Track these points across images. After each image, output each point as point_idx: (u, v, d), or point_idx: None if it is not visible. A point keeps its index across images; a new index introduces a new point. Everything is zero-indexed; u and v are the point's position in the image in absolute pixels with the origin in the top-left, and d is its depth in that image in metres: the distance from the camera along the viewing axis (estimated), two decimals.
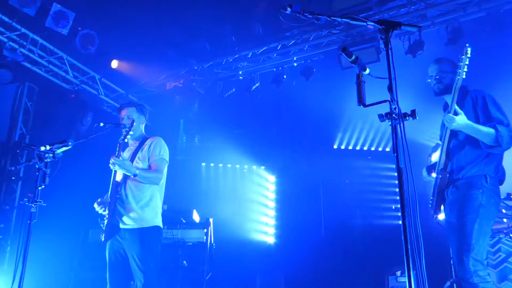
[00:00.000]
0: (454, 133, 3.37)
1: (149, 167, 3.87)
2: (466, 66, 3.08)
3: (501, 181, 3.34)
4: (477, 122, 3.26)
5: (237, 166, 9.75)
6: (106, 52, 7.02)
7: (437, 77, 3.44)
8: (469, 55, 3.06)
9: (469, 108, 3.35)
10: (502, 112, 3.25)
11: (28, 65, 6.55)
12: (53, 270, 6.14)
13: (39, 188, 3.26)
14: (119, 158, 3.64)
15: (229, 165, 9.71)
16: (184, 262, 5.86)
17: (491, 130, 3.12)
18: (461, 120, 3.11)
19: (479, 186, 3.19)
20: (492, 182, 3.23)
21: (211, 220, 5.80)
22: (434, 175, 3.57)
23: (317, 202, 8.83)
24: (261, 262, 8.39)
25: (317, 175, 8.98)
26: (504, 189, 4.22)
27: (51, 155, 3.32)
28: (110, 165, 3.67)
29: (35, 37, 6.27)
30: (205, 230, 5.63)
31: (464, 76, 3.11)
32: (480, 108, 3.30)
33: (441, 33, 5.95)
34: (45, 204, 3.29)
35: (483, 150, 3.22)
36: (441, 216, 3.42)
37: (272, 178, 9.78)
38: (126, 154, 4.00)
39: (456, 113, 3.12)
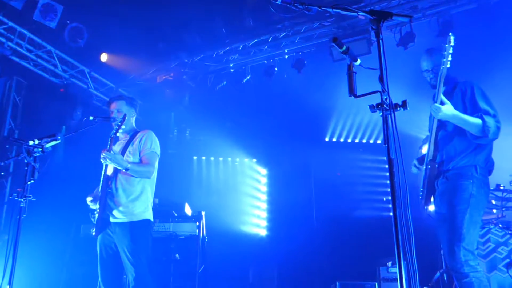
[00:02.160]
0: (442, 124, 3.38)
1: (140, 160, 3.85)
2: (450, 55, 3.10)
3: (490, 172, 3.37)
4: (465, 112, 3.28)
5: (229, 159, 9.74)
6: (96, 45, 6.94)
7: (432, 71, 3.45)
8: (452, 44, 3.07)
9: (458, 99, 3.37)
10: (489, 103, 3.27)
11: (16, 59, 6.47)
12: (44, 265, 6.11)
13: (28, 183, 3.22)
14: (110, 152, 3.62)
15: (220, 158, 9.70)
16: (177, 255, 5.86)
17: (478, 121, 3.15)
18: (447, 109, 3.13)
19: (469, 177, 3.21)
20: (482, 173, 3.25)
21: (203, 213, 5.79)
22: (414, 170, 3.59)
23: (309, 194, 8.86)
24: (254, 254, 8.41)
25: (309, 167, 9.00)
26: (493, 180, 4.26)
27: (40, 149, 3.28)
28: (101, 159, 3.64)
29: (23, 30, 6.19)
30: (197, 223, 5.62)
31: (448, 65, 3.13)
32: (468, 98, 3.32)
33: (432, 25, 5.96)
34: (34, 199, 3.25)
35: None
36: (432, 207, 3.44)
37: (264, 171, 9.79)
38: (117, 147, 3.97)
39: (442, 103, 3.14)
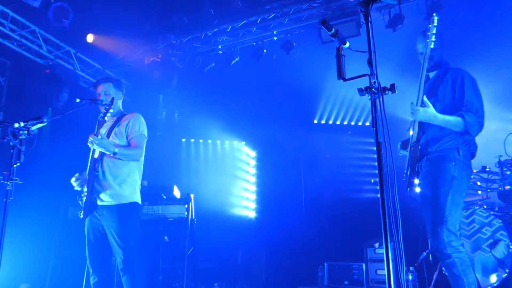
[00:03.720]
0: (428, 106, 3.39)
1: (129, 143, 3.82)
2: (434, 36, 3.10)
3: (472, 155, 3.41)
4: (453, 100, 3.30)
5: (218, 141, 9.72)
6: (81, 26, 6.80)
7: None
8: (435, 24, 3.07)
9: (448, 85, 3.39)
10: (476, 95, 3.29)
11: None
12: (32, 248, 6.09)
13: (14, 166, 3.18)
14: (97, 136, 3.59)
15: (209, 141, 9.68)
16: (166, 237, 5.87)
17: (459, 120, 3.18)
18: (426, 112, 3.16)
19: (451, 159, 3.25)
20: (464, 155, 3.29)
21: (192, 195, 5.79)
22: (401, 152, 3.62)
23: (297, 176, 8.90)
24: (243, 236, 8.47)
25: (298, 150, 9.02)
26: (478, 161, 4.32)
27: (25, 132, 3.23)
28: (88, 143, 3.61)
29: (5, 9, 6.04)
30: (186, 206, 5.62)
31: (432, 46, 3.13)
32: (457, 87, 3.34)
33: (421, 7, 5.95)
34: (21, 182, 3.22)
35: None
36: (417, 189, 3.48)
37: (252, 153, 9.80)
38: (103, 130, 3.93)
39: (423, 105, 3.15)
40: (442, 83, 3.40)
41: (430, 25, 3.10)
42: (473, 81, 3.35)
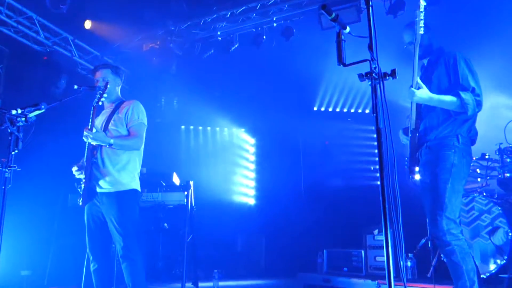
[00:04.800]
0: None
1: (129, 132, 3.80)
2: (421, 21, 3.07)
3: (473, 141, 3.37)
4: (449, 83, 3.27)
5: (217, 128, 9.71)
6: (79, 12, 6.74)
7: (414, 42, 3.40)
8: (422, 10, 3.03)
9: (442, 69, 3.36)
10: (471, 75, 3.24)
11: None
12: (32, 235, 6.10)
13: (12, 153, 3.16)
14: (92, 129, 3.57)
15: (208, 128, 9.67)
16: (165, 224, 5.90)
17: (454, 99, 3.14)
18: (422, 93, 3.14)
19: (451, 146, 3.23)
20: (464, 142, 3.26)
21: (191, 182, 5.79)
22: (404, 140, 3.60)
23: (297, 163, 8.91)
24: (242, 223, 8.50)
25: (297, 137, 9.02)
26: (478, 149, 4.31)
27: (23, 119, 3.20)
28: (83, 138, 3.58)
29: None
30: (186, 193, 5.62)
31: (421, 31, 3.10)
32: (451, 68, 3.30)
33: None
34: (19, 169, 3.21)
35: None
36: (417, 176, 3.47)
37: (252, 140, 9.79)
38: (101, 117, 3.91)
39: (418, 87, 3.13)
40: (436, 68, 3.37)
41: (417, 11, 3.07)
42: (466, 60, 3.29)
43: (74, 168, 3.75)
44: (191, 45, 7.58)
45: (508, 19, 6.06)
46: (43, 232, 6.32)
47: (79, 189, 3.69)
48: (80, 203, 3.65)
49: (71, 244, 5.81)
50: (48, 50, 7.02)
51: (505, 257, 4.32)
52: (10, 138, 3.20)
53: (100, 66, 4.04)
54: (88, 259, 3.69)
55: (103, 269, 3.65)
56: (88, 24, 7.04)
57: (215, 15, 7.04)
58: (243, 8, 6.84)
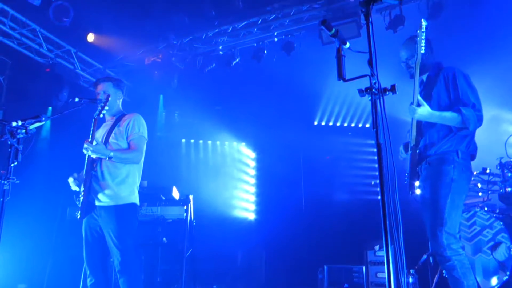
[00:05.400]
0: None
1: (129, 145, 3.79)
2: (423, 41, 3.10)
3: (472, 156, 3.38)
4: (449, 99, 3.28)
5: (218, 142, 9.70)
6: (82, 25, 6.80)
7: (410, 60, 3.42)
8: (423, 30, 3.07)
9: (441, 85, 3.37)
10: (471, 90, 3.25)
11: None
12: (30, 248, 6.07)
13: (12, 165, 3.15)
14: (92, 142, 3.56)
15: (209, 142, 9.66)
16: (164, 239, 5.85)
17: (455, 115, 3.15)
18: (423, 111, 3.16)
19: (451, 162, 3.23)
20: (463, 157, 3.26)
21: (191, 197, 5.77)
22: (403, 155, 3.60)
23: (297, 178, 8.88)
24: (242, 238, 8.44)
25: (298, 151, 9.00)
26: (479, 163, 4.29)
27: (23, 130, 3.20)
28: (83, 150, 3.58)
29: (6, 7, 6.03)
30: (185, 207, 5.60)
31: (423, 51, 3.13)
32: (451, 85, 3.32)
33: (422, 8, 5.94)
34: (18, 181, 3.19)
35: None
36: (418, 191, 3.46)
37: (252, 154, 9.78)
38: (102, 130, 3.91)
39: (418, 104, 3.14)
40: (435, 84, 3.39)
41: (418, 31, 3.11)
42: (466, 76, 3.31)
43: (71, 179, 3.72)
44: (192, 59, 7.62)
45: (509, 32, 6.10)
46: (41, 245, 6.27)
47: (77, 202, 3.67)
48: (78, 217, 3.63)
49: (69, 258, 5.76)
50: (50, 62, 7.06)
51: (508, 273, 4.27)
52: (9, 150, 3.20)
53: (102, 79, 4.05)
54: (85, 273, 3.65)
55: (100, 284, 3.60)
56: (91, 37, 7.10)
57: (216, 30, 7.09)
58: (245, 22, 6.90)
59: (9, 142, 3.19)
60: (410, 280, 5.15)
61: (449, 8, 5.77)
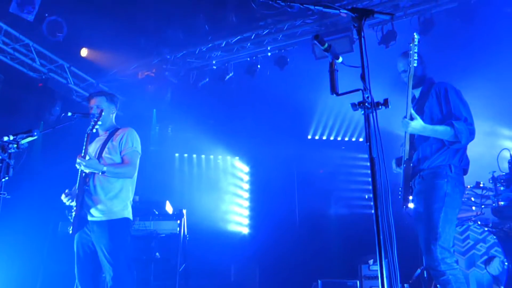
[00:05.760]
0: None
1: (122, 160, 3.78)
2: (416, 54, 3.14)
3: (465, 171, 3.40)
4: (441, 113, 3.31)
5: (211, 156, 9.68)
6: (75, 40, 6.81)
7: (407, 71, 3.46)
8: (416, 43, 3.12)
9: (433, 100, 3.41)
10: (463, 104, 3.30)
11: None
12: (21, 263, 5.97)
13: (3, 180, 3.13)
14: (85, 157, 3.55)
15: (203, 156, 9.64)
16: (157, 254, 5.80)
17: (448, 128, 3.19)
18: (416, 124, 3.20)
19: (444, 176, 3.25)
20: (456, 172, 3.29)
21: (184, 211, 5.74)
22: (396, 170, 3.62)
23: (291, 192, 8.86)
24: (236, 252, 8.38)
25: (292, 165, 9.00)
26: (473, 177, 4.31)
27: (15, 145, 3.19)
28: (76, 165, 3.56)
29: None
30: (178, 222, 5.57)
31: (415, 64, 3.18)
32: (443, 100, 3.36)
33: (414, 24, 6.02)
34: (9, 197, 3.16)
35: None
36: (411, 205, 3.47)
37: (246, 168, 9.76)
38: (95, 144, 3.89)
39: (411, 118, 3.18)
40: (428, 99, 3.43)
41: (411, 44, 3.15)
42: (457, 91, 3.36)
43: (63, 196, 3.69)
44: (186, 74, 7.64)
45: (503, 46, 6.17)
46: (32, 260, 6.18)
47: (69, 217, 3.63)
48: (70, 232, 3.59)
49: (61, 273, 5.68)
50: (43, 77, 7.05)
51: (502, 287, 4.26)
52: (1, 164, 3.17)
53: (95, 94, 4.04)
54: None
55: None
56: (84, 52, 7.11)
57: (210, 44, 7.14)
58: (238, 37, 6.95)
59: (0, 157, 3.17)
60: None
61: (441, 24, 5.86)
